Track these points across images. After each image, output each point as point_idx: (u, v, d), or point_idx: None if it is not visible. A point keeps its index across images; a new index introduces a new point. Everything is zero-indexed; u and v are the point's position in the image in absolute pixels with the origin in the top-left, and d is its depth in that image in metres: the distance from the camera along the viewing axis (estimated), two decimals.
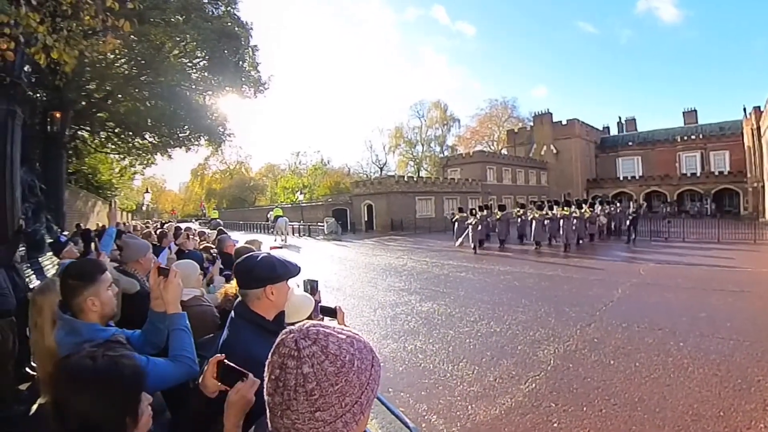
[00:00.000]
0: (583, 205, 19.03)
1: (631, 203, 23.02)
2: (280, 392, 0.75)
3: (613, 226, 21.90)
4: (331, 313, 2.31)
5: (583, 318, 7.23)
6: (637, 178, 48.92)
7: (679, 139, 47.95)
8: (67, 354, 1.81)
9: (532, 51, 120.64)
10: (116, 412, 1.18)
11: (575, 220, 17.53)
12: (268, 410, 0.79)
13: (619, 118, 58.01)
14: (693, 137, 47.23)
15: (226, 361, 1.42)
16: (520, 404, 4.27)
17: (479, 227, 18.45)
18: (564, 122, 52.04)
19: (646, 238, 19.38)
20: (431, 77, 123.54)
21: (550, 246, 17.72)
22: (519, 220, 20.75)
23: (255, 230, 38.72)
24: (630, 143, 52.48)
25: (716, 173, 43.79)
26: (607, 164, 52.83)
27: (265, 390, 0.79)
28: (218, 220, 26.09)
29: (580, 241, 17.90)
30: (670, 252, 15.15)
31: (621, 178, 50.28)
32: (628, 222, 19.58)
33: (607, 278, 10.69)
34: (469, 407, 4.25)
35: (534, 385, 4.71)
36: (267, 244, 5.52)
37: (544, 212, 18.24)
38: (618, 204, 24.03)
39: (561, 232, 17.17)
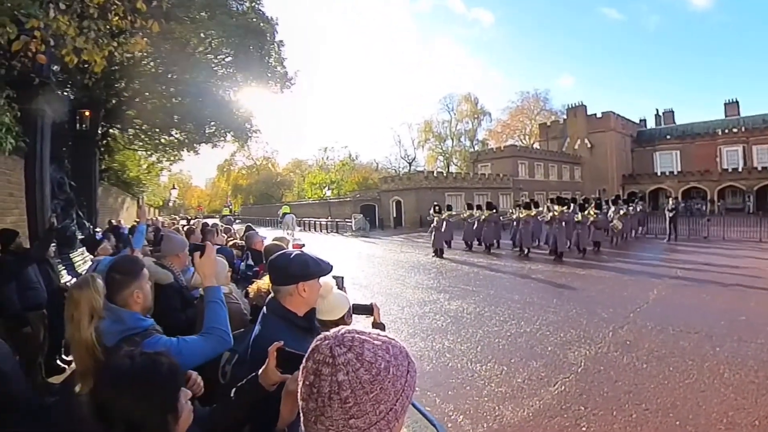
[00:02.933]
0: (587, 206, 16.09)
1: (670, 200, 21.70)
2: (314, 398, 0.75)
3: (638, 230, 20.09)
4: (366, 310, 2.29)
5: (615, 319, 7.10)
6: (675, 173, 47.10)
7: (719, 133, 45.96)
8: (112, 347, 1.94)
9: (555, 39, 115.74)
10: (157, 410, 1.20)
11: (578, 225, 14.99)
12: (302, 415, 0.79)
13: (656, 110, 56.07)
14: (735, 130, 45.15)
15: (285, 348, 1.42)
16: (549, 407, 4.25)
17: (443, 228, 16.61)
18: (599, 115, 50.52)
19: (684, 236, 18.70)
20: (451, 69, 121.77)
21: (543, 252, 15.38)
22: (514, 223, 17.43)
23: (280, 226, 39.20)
24: (668, 137, 50.63)
25: (759, 168, 41.70)
26: (644, 159, 51.15)
27: (299, 395, 0.79)
28: (230, 216, 27.10)
29: (580, 249, 14.83)
30: (709, 252, 14.61)
31: (658, 174, 48.54)
32: (668, 220, 18.52)
33: (642, 278, 10.44)
34: (497, 408, 4.26)
35: (563, 387, 4.67)
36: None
37: (531, 212, 16.00)
38: (640, 203, 21.95)
39: (550, 237, 14.79)
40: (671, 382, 4.63)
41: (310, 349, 0.81)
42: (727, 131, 45.62)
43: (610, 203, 19.24)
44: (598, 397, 4.37)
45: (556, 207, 15.28)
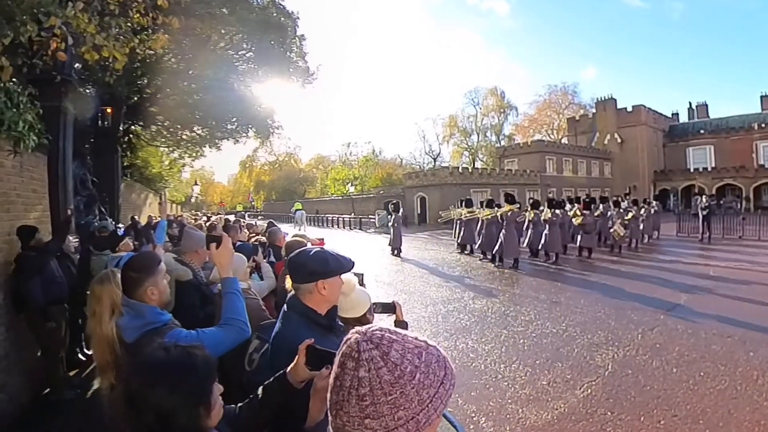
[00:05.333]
0: (567, 205, 14.55)
1: (703, 197, 20.54)
2: (336, 391, 0.75)
3: (653, 235, 17.87)
4: (388, 308, 2.26)
5: (645, 321, 6.95)
6: (709, 169, 45.35)
7: (755, 127, 43.87)
8: (134, 342, 1.99)
9: (574, 28, 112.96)
10: (191, 402, 1.20)
11: (545, 225, 13.29)
12: (329, 406, 0.78)
13: (689, 103, 53.98)
14: None
15: (315, 345, 1.43)
16: (574, 410, 4.20)
17: (397, 225, 16.30)
18: (629, 109, 48.96)
19: (718, 236, 17.98)
20: (472, 61, 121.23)
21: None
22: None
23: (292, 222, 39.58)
24: (701, 131, 48.78)
25: None
26: (676, 154, 49.48)
27: (329, 387, 0.79)
28: (243, 212, 28.07)
29: (552, 256, 13.20)
30: (744, 252, 14.07)
31: (691, 170, 46.92)
32: (701, 218, 17.71)
33: (673, 279, 10.17)
34: (520, 411, 4.23)
35: (589, 390, 4.61)
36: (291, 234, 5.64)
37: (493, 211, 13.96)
38: (655, 203, 19.11)
39: (499, 240, 12.81)
40: (702, 388, 4.52)
41: (342, 342, 0.80)
42: (763, 125, 43.58)
43: (611, 204, 16.95)
44: (625, 402, 4.30)
45: (500, 206, 13.57)
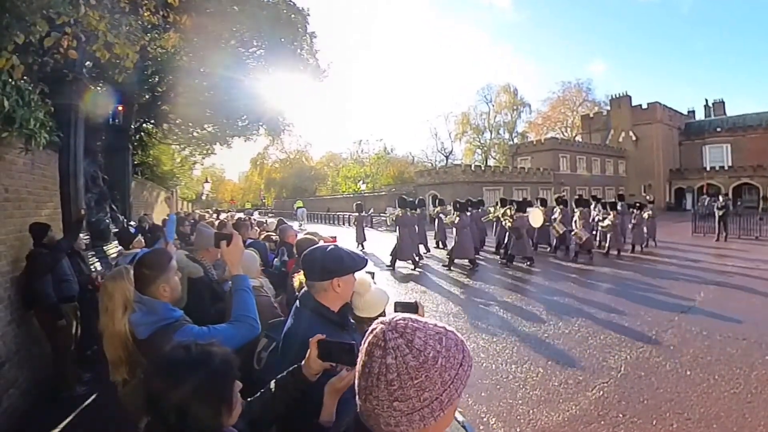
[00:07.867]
0: (467, 206, 13.23)
1: (720, 197, 19.97)
2: (365, 377, 0.82)
3: (647, 242, 15.20)
4: (411, 308, 2.28)
5: (659, 322, 6.87)
6: (725, 168, 44.38)
7: None
8: (147, 339, 2.03)
9: (580, 20, 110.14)
10: (213, 400, 1.21)
11: (450, 227, 12.66)
12: (357, 392, 0.86)
13: (706, 100, 52.82)
14: None
15: (327, 339, 1.47)
16: (585, 412, 4.17)
17: (359, 222, 17.18)
18: (644, 106, 47.98)
19: (735, 236, 17.68)
20: (479, 58, 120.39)
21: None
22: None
23: (315, 220, 39.67)
24: (718, 129, 47.61)
25: None
26: (692, 153, 48.50)
27: (356, 374, 0.87)
28: (251, 210, 29.05)
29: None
30: (761, 253, 13.78)
31: (707, 169, 45.90)
32: (717, 218, 17.29)
33: (688, 280, 10.04)
34: (531, 412, 4.22)
35: (601, 392, 4.58)
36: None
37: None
38: (648, 208, 15.68)
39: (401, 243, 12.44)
40: (716, 392, 4.46)
41: (368, 332, 0.87)
42: None
43: (574, 205, 14.46)
44: (638, 404, 4.26)
45: (398, 210, 13.17)
